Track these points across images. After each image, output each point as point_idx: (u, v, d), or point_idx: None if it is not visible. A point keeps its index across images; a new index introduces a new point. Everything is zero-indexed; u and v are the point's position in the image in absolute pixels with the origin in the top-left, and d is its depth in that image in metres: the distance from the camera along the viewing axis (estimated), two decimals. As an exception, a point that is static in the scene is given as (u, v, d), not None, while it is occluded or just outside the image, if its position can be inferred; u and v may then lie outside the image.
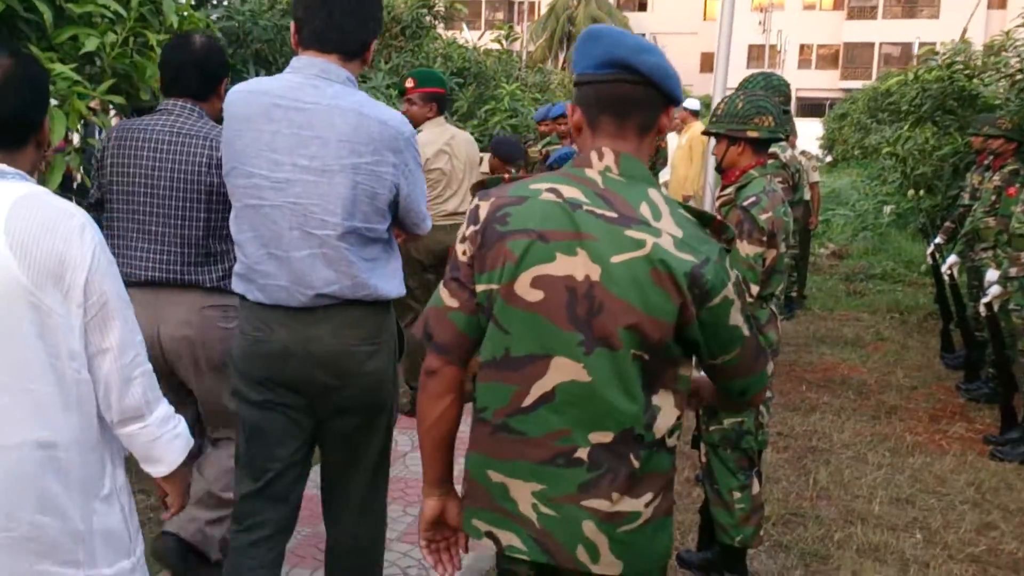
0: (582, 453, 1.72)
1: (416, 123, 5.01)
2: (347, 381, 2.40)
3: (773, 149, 3.63)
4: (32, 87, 1.87)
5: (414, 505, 4.07)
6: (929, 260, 7.19)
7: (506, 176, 2.20)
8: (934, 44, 10.88)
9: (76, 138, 3.73)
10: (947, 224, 7.12)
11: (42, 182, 3.15)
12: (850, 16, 47.70)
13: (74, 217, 1.79)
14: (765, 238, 3.15)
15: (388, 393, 2.51)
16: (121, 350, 1.85)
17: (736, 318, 1.75)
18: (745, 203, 3.19)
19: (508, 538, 1.78)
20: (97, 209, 2.97)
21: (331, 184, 2.28)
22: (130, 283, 2.11)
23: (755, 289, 3.16)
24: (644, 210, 1.72)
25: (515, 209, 1.74)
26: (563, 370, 1.71)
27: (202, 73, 2.95)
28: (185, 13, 3.90)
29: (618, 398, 1.70)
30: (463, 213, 5.12)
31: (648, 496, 1.75)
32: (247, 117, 2.31)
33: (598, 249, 1.69)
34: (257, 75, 5.46)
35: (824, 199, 14.40)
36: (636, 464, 1.73)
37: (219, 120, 2.72)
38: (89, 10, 3.28)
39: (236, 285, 2.43)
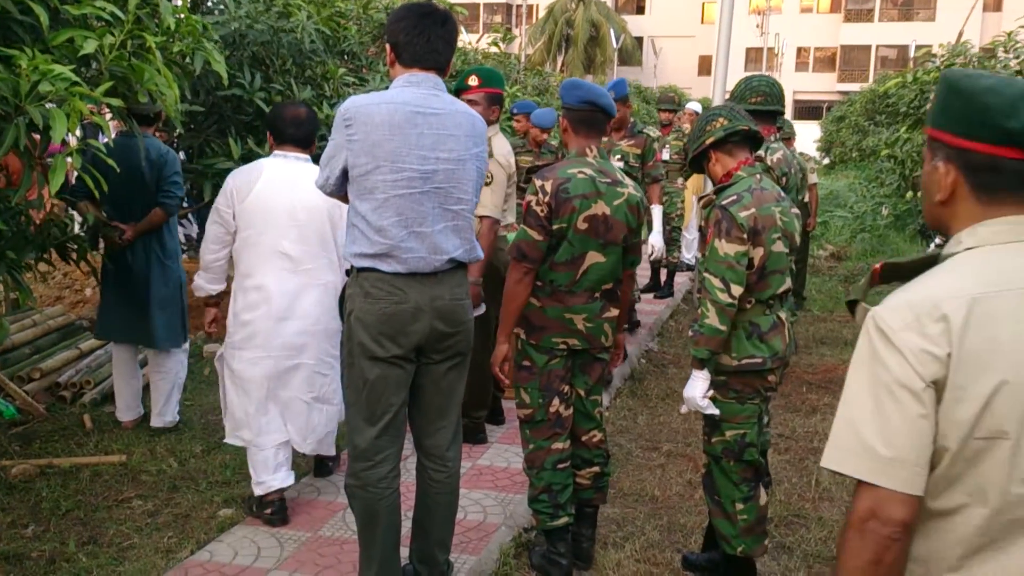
0: (599, 296, 3.46)
1: None
2: (458, 328, 3.05)
3: (759, 152, 3.62)
4: (313, 121, 3.92)
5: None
6: (929, 261, 7.16)
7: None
8: (930, 46, 10.88)
9: (73, 140, 3.72)
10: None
11: (42, 182, 3.15)
12: (847, 19, 47.73)
13: None
14: (745, 235, 3.11)
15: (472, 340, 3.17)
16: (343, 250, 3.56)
17: None
18: (724, 202, 3.15)
19: (573, 342, 3.44)
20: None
21: (464, 170, 2.98)
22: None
23: (736, 289, 3.09)
24: (618, 176, 3.49)
25: (568, 184, 3.34)
26: (592, 258, 3.39)
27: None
28: (182, 16, 3.89)
29: (616, 267, 3.47)
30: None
31: (619, 305, 3.56)
32: (394, 123, 2.86)
33: (607, 198, 3.38)
34: (253, 77, 5.44)
35: (822, 201, 14.40)
36: (617, 295, 3.53)
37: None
38: (86, 12, 3.26)
39: (369, 262, 2.93)
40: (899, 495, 1.41)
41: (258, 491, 3.85)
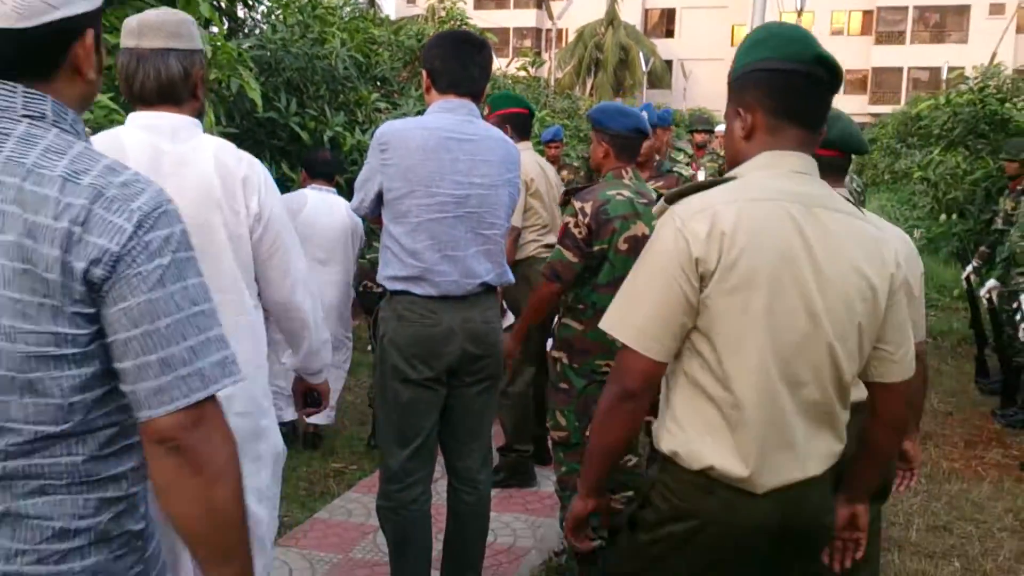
0: None
1: None
2: (488, 351, 3.07)
3: None
4: (333, 162, 5.21)
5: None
6: (964, 284, 7.11)
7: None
8: (963, 69, 10.80)
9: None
10: (983, 249, 7.05)
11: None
12: (878, 41, 47.52)
13: None
14: None
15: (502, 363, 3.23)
16: None
17: None
18: None
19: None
20: None
21: (497, 195, 3.01)
22: None
23: None
24: (653, 196, 3.49)
25: (608, 206, 3.35)
26: None
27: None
28: (219, 43, 3.96)
29: None
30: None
31: None
32: (429, 148, 2.88)
33: (646, 218, 3.34)
34: (288, 102, 5.51)
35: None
36: None
37: None
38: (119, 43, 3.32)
39: (402, 285, 2.97)
40: None
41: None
